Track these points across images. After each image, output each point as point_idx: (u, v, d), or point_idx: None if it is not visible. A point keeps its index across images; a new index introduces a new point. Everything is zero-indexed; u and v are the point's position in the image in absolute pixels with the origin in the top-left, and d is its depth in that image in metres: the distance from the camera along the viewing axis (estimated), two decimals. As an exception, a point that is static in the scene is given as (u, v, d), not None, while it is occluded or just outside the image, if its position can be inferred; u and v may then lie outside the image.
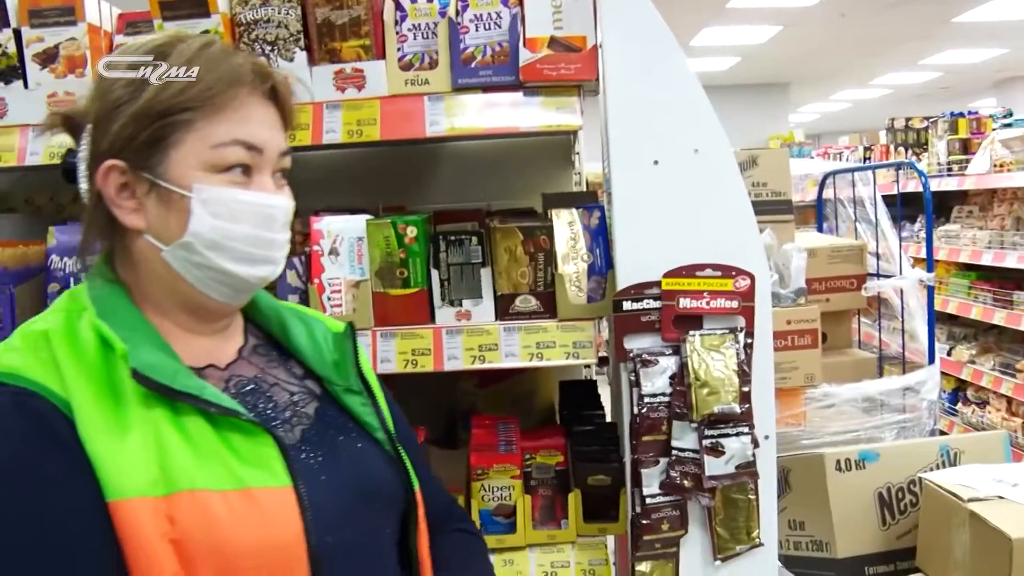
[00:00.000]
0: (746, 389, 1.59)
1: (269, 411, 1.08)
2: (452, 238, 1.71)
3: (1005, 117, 5.80)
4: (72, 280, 1.74)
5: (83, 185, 1.05)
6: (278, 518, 0.96)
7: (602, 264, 1.72)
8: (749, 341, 1.61)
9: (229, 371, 1.10)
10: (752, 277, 1.60)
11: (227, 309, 1.11)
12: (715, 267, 1.60)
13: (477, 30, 1.72)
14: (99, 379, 0.96)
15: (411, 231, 1.70)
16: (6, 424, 0.92)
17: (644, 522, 1.60)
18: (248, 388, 1.10)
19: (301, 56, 1.73)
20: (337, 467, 1.07)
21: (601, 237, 1.73)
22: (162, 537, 0.91)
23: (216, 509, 0.93)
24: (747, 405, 1.59)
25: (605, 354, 2.10)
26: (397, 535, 1.15)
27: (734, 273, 1.60)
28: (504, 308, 1.71)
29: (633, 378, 1.61)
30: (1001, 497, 1.79)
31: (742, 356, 1.59)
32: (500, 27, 1.72)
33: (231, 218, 1.03)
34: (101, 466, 0.91)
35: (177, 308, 1.08)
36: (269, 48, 1.74)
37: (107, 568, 0.91)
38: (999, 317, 4.79)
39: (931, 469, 2.06)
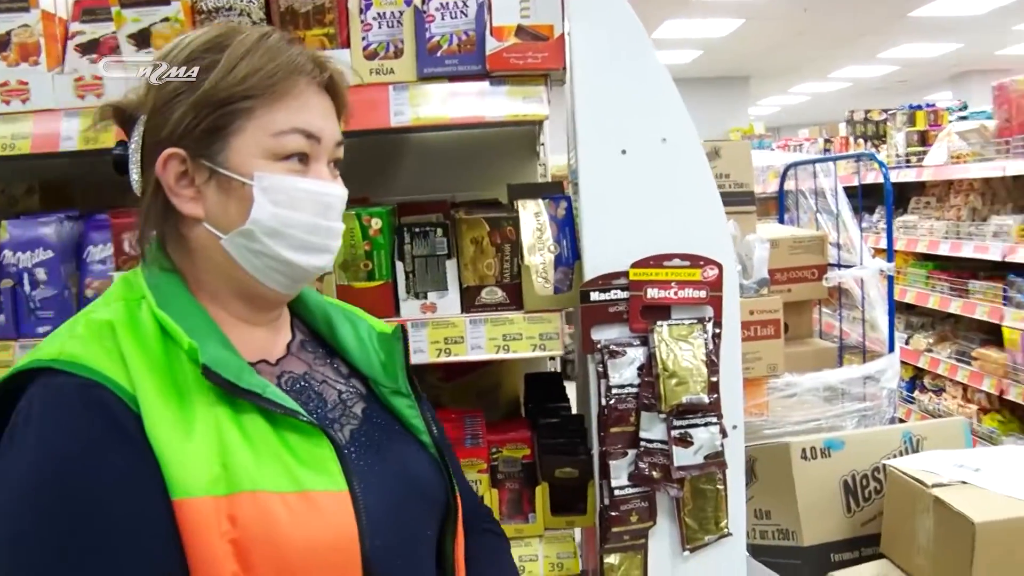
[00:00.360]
0: (714, 379, 1.59)
1: (320, 410, 1.08)
2: (417, 230, 1.69)
3: (961, 110, 5.89)
4: (26, 275, 1.69)
5: (134, 176, 1.04)
6: (335, 521, 0.96)
7: (569, 255, 1.71)
8: (717, 331, 1.61)
9: (280, 367, 1.10)
10: (720, 267, 1.60)
11: (281, 299, 1.11)
12: (683, 257, 1.60)
13: (443, 18, 1.70)
14: (162, 372, 0.95)
15: (376, 223, 1.68)
16: (72, 415, 0.90)
17: (613, 514, 1.60)
18: (299, 385, 1.09)
19: (263, 44, 1.70)
20: (385, 468, 1.07)
21: (568, 228, 1.72)
22: (222, 536, 0.90)
23: (276, 511, 0.92)
24: (715, 395, 1.59)
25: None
26: (436, 536, 1.15)
27: (702, 263, 1.60)
28: (470, 300, 1.70)
29: (601, 369, 1.60)
30: (964, 482, 1.81)
31: (710, 346, 1.59)
32: (467, 15, 1.70)
33: (291, 206, 1.03)
34: (167, 463, 0.90)
35: (232, 296, 1.07)
36: (229, 36, 1.70)
37: (176, 566, 0.90)
38: (955, 306, 4.86)
39: (894, 456, 2.09)
